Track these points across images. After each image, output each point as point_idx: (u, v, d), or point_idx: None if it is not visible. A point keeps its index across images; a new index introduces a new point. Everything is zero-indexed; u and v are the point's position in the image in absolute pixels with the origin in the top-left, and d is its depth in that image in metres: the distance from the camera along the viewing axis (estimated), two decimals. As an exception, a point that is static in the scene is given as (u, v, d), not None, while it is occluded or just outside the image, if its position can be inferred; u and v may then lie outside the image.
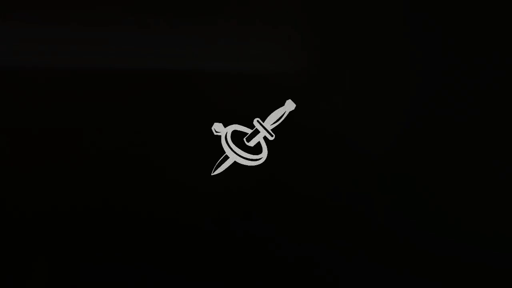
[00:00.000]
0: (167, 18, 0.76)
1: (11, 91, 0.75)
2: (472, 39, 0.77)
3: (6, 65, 0.75)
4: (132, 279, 0.76)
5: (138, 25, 0.76)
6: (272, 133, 0.76)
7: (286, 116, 0.77)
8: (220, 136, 0.76)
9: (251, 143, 0.77)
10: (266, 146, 0.77)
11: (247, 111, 0.76)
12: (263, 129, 0.76)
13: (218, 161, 0.76)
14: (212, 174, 0.76)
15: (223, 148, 0.76)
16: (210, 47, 0.76)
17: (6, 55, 0.75)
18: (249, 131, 0.77)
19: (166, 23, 0.76)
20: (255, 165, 0.77)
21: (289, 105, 0.77)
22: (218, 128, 0.76)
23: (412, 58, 0.77)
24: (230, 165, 0.76)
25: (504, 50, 0.77)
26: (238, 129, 0.76)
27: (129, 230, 0.76)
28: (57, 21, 0.75)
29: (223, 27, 0.77)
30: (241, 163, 0.76)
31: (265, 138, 0.77)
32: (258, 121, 0.76)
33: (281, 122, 0.77)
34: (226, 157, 0.76)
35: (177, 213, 0.76)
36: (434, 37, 0.77)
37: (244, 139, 0.77)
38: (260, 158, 0.77)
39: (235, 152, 0.76)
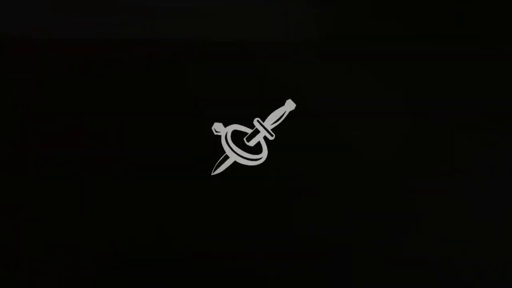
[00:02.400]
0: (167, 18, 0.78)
1: None
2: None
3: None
4: (131, 279, 0.75)
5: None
6: (272, 133, 0.77)
7: (286, 116, 0.77)
8: (220, 136, 0.76)
9: (251, 143, 0.77)
10: (266, 146, 0.77)
11: (247, 111, 0.77)
12: (263, 129, 0.77)
13: (218, 161, 0.76)
14: (212, 174, 0.76)
15: (223, 148, 0.76)
16: (211, 46, 0.78)
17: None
18: (249, 131, 0.77)
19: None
20: (255, 165, 0.76)
21: (289, 105, 0.77)
22: (218, 128, 0.76)
23: (413, 58, 0.78)
24: (230, 165, 0.76)
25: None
26: (238, 129, 0.77)
27: (129, 230, 0.76)
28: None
29: (222, 23, 0.78)
30: (241, 163, 0.76)
31: (265, 138, 0.77)
32: (258, 121, 0.77)
33: (281, 122, 0.77)
34: (226, 157, 0.76)
35: (177, 213, 0.76)
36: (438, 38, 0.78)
37: (244, 139, 0.77)
38: (260, 158, 0.77)
39: (235, 152, 0.76)
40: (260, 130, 0.77)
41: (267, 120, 0.77)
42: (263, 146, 0.77)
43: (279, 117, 0.77)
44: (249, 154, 0.76)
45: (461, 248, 0.76)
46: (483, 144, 0.77)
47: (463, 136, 0.77)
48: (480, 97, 0.77)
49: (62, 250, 0.75)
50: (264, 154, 0.77)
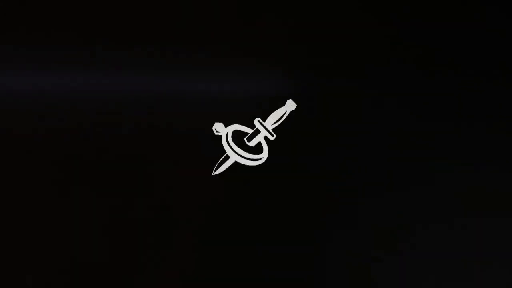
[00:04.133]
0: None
1: None
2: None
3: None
4: (131, 280, 0.75)
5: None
6: (273, 133, 0.77)
7: (287, 116, 0.77)
8: (221, 136, 0.76)
9: (252, 143, 0.77)
10: (266, 146, 0.76)
11: (248, 111, 0.77)
12: (264, 129, 0.77)
13: (219, 161, 0.76)
14: (212, 174, 0.76)
15: (224, 148, 0.76)
16: (211, 47, 0.79)
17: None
18: (250, 131, 0.77)
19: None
20: (256, 165, 0.76)
21: (290, 105, 0.77)
22: (219, 128, 0.77)
23: (410, 57, 0.78)
24: (231, 165, 0.76)
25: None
26: (239, 129, 0.77)
27: (128, 231, 0.75)
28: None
29: (224, 27, 0.79)
30: (242, 163, 0.76)
31: (265, 138, 0.77)
32: (259, 121, 0.77)
33: (281, 122, 0.77)
34: (227, 157, 0.76)
35: (177, 213, 0.76)
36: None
37: (245, 139, 0.77)
38: (261, 158, 0.76)
39: (236, 152, 0.76)
40: (260, 130, 0.77)
41: (267, 120, 0.77)
42: (263, 146, 0.77)
43: (279, 117, 0.77)
44: (250, 154, 0.76)
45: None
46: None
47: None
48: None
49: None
50: (264, 154, 0.76)
